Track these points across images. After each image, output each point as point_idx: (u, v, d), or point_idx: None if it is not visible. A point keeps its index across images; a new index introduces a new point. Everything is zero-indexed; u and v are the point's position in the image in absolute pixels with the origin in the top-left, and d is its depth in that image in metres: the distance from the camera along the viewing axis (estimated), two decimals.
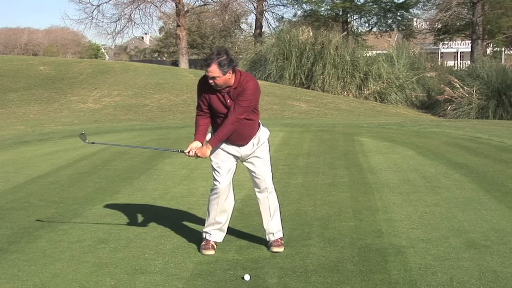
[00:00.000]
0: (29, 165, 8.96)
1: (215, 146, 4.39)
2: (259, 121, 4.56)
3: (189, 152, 4.40)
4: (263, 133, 4.54)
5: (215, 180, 4.50)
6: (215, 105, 4.35)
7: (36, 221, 5.56)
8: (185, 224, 5.37)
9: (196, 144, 4.41)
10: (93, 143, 5.21)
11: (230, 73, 4.22)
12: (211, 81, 4.23)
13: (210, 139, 4.38)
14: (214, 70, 4.17)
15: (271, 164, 4.62)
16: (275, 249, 4.49)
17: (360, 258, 4.30)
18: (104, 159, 9.35)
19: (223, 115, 4.36)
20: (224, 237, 4.63)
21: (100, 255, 4.51)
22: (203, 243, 4.56)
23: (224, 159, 4.48)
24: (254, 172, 4.52)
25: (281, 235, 4.61)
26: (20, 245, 4.81)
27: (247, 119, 4.36)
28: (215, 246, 4.55)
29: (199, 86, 4.42)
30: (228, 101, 4.31)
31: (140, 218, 5.61)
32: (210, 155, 4.43)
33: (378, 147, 10.09)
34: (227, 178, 4.48)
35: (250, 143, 4.47)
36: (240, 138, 4.42)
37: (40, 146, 11.42)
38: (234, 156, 4.50)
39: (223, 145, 4.46)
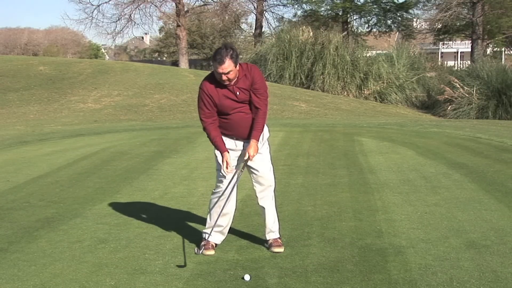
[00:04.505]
0: (29, 165, 8.96)
1: (258, 139, 4.40)
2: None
3: (230, 166, 4.35)
4: (265, 132, 4.55)
5: (219, 182, 4.48)
6: (226, 103, 4.30)
7: (36, 221, 5.56)
8: (185, 224, 5.36)
9: (229, 155, 4.37)
10: None
11: (238, 64, 4.25)
12: (224, 77, 4.20)
13: (253, 135, 4.36)
14: (229, 64, 4.17)
15: (272, 163, 4.61)
16: (275, 250, 4.48)
17: (360, 258, 4.30)
18: (104, 159, 9.35)
19: (234, 110, 4.33)
20: (224, 240, 4.63)
21: (100, 255, 4.51)
22: (203, 243, 4.55)
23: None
24: (256, 169, 4.49)
25: (278, 234, 4.61)
26: (20, 245, 4.81)
27: (249, 113, 4.37)
28: (215, 246, 4.54)
29: (205, 91, 4.31)
30: (238, 92, 4.30)
31: (140, 218, 5.61)
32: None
33: (378, 147, 10.08)
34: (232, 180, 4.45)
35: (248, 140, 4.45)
36: (241, 132, 4.41)
37: (40, 146, 11.41)
38: (232, 150, 4.45)
39: (225, 141, 4.44)
